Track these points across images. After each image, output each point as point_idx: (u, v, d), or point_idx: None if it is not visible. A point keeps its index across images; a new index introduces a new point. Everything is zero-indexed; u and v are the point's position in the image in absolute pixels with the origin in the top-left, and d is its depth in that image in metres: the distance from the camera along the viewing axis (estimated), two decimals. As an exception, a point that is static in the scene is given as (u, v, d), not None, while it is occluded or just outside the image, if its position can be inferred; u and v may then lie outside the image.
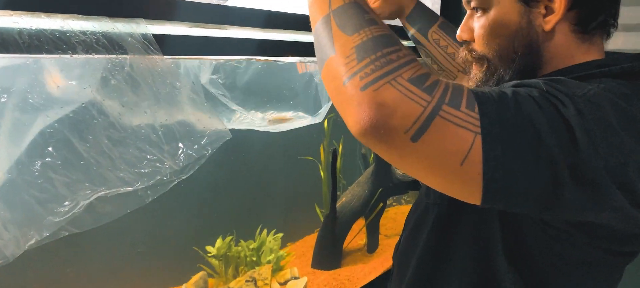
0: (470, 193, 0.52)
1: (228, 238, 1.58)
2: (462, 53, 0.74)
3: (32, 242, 0.75)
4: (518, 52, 0.65)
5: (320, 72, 0.59)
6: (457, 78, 1.08)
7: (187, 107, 1.00)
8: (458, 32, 0.73)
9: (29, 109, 0.81)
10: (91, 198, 0.83)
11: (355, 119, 0.50)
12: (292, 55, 1.24)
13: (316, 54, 0.61)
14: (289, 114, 1.47)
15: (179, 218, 1.63)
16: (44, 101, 0.82)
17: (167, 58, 0.96)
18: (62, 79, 0.85)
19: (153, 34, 0.92)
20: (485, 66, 0.69)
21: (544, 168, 0.49)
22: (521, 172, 0.49)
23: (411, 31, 1.11)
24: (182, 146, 0.98)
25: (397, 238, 2.06)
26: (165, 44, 0.96)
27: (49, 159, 0.79)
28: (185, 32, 1.03)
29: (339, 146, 1.93)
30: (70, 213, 0.80)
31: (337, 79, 0.54)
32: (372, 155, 2.00)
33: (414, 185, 2.03)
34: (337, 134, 1.98)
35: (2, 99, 0.77)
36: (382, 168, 1.89)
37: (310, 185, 2.02)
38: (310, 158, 1.95)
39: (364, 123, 0.50)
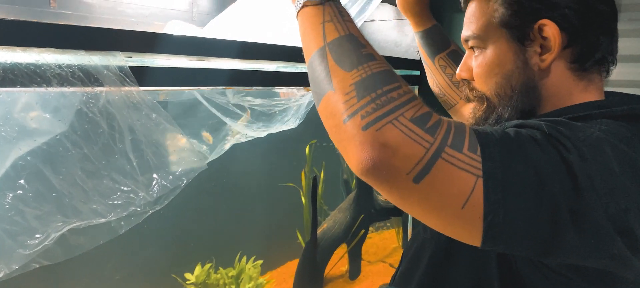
0: (471, 236, 0.51)
1: (207, 266, 1.58)
2: (465, 91, 0.74)
3: (1, 275, 0.75)
4: (515, 90, 0.65)
5: (317, 106, 0.59)
6: (457, 105, 1.08)
7: (162, 137, 1.01)
8: (457, 70, 0.73)
9: (1, 141, 0.81)
10: (63, 230, 0.84)
11: (357, 158, 0.50)
12: (267, 85, 1.25)
13: (311, 87, 0.60)
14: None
15: (158, 244, 1.62)
16: (17, 133, 0.83)
17: (143, 89, 0.97)
18: (36, 112, 0.86)
19: (130, 66, 0.94)
20: (485, 104, 0.69)
21: (546, 212, 0.49)
22: (522, 216, 0.49)
23: (419, 48, 1.10)
24: (157, 177, 0.99)
25: (381, 264, 2.07)
26: (143, 76, 0.98)
27: (21, 192, 0.79)
28: (163, 64, 1.04)
29: (320, 172, 1.94)
30: (41, 246, 0.80)
31: (337, 116, 0.53)
32: (354, 180, 2.01)
33: (396, 211, 2.04)
34: (319, 159, 2.00)
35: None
36: (364, 194, 1.91)
37: (291, 211, 2.02)
38: (291, 185, 1.96)
39: (366, 163, 0.49)
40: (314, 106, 2.17)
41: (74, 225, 0.85)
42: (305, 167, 1.96)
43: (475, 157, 0.50)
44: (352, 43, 0.58)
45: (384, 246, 2.32)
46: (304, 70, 1.46)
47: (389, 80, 0.54)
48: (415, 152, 0.49)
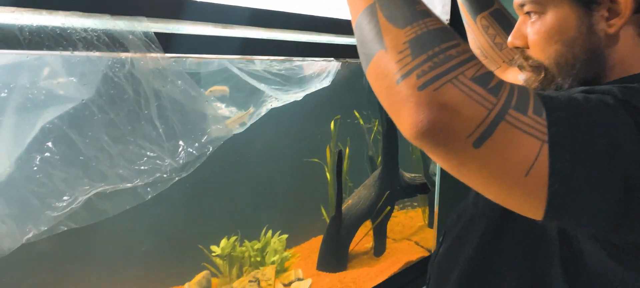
0: (532, 207, 0.48)
1: (232, 238, 1.58)
2: (518, 60, 0.69)
3: (30, 235, 0.76)
4: (578, 58, 0.60)
5: (365, 69, 0.55)
6: (500, 69, 1.02)
7: (188, 105, 1.00)
8: (509, 38, 0.67)
9: (29, 105, 0.81)
10: (90, 194, 0.84)
11: (411, 120, 0.46)
12: (294, 56, 1.24)
13: (359, 49, 0.56)
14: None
15: (184, 217, 1.63)
16: (45, 97, 0.83)
17: (168, 56, 0.97)
18: (62, 76, 0.86)
19: (155, 33, 0.93)
20: (542, 74, 0.64)
21: (617, 184, 0.45)
22: (591, 186, 0.45)
23: (460, 6, 1.04)
24: (183, 144, 0.98)
25: (406, 242, 2.04)
26: (168, 42, 0.97)
27: (48, 154, 0.80)
28: (188, 31, 1.03)
29: (345, 148, 1.92)
30: (68, 209, 0.81)
31: (389, 77, 0.49)
32: (380, 157, 1.98)
33: (422, 188, 2.01)
34: (344, 136, 1.98)
35: (3, 94, 0.78)
36: (390, 170, 1.88)
37: (316, 187, 2.01)
38: (316, 160, 1.95)
39: (422, 125, 0.46)
40: (339, 78, 2.13)
41: (100, 189, 0.85)
42: (330, 142, 1.95)
43: (540, 121, 0.46)
44: None
45: (410, 225, 2.29)
46: (327, 41, 1.44)
47: (446, 38, 0.50)
48: (476, 113, 0.45)
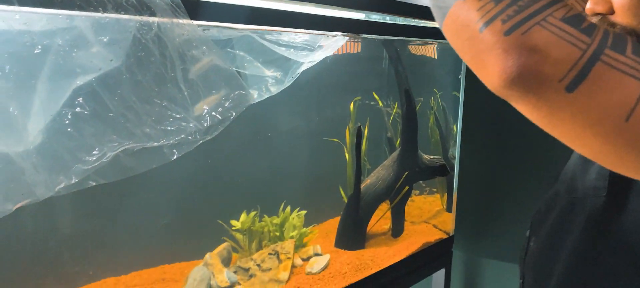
0: (635, 159, 0.44)
1: (252, 214, 1.61)
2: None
3: (61, 186, 0.78)
4: None
5: (441, 23, 0.53)
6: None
7: (212, 70, 1.02)
8: (588, 4, 0.59)
9: (63, 63, 0.84)
10: (117, 151, 0.86)
11: (500, 67, 0.44)
12: (320, 29, 1.25)
13: (433, 3, 0.54)
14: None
15: (204, 193, 1.66)
16: (77, 57, 0.86)
17: (194, 23, 0.99)
18: (94, 37, 0.88)
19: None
20: None
21: None
22: None
23: None
24: (207, 107, 1.00)
25: (424, 224, 2.03)
26: (194, 10, 0.99)
27: (79, 110, 0.82)
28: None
29: (364, 129, 1.93)
30: (97, 163, 0.83)
31: (470, 26, 0.47)
32: (399, 139, 1.99)
33: (441, 171, 2.01)
34: (363, 117, 1.98)
35: (37, 51, 0.80)
36: (409, 152, 1.88)
37: (335, 167, 2.02)
38: (335, 140, 1.96)
39: (511, 71, 0.43)
40: (359, 60, 2.13)
41: (128, 146, 0.87)
42: (349, 123, 1.96)
43: None
44: None
45: (428, 209, 2.29)
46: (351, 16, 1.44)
47: None
48: (569, 54, 0.43)
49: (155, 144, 0.91)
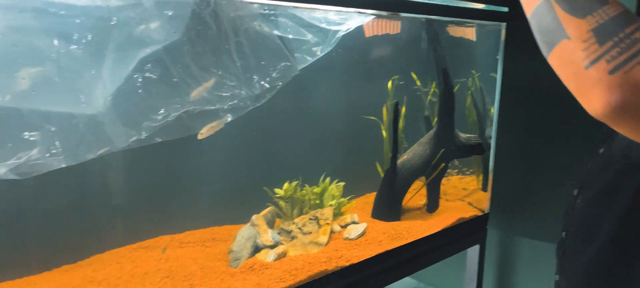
0: None
1: (294, 183, 1.72)
2: None
3: (133, 139, 0.91)
4: None
5: (547, 55, 0.61)
6: None
7: (262, 43, 1.12)
8: None
9: (133, 34, 0.96)
10: (180, 112, 0.98)
11: (605, 101, 0.52)
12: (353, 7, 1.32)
13: (539, 37, 0.61)
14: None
15: (251, 162, 1.78)
16: (145, 28, 0.98)
17: (246, 0, 1.09)
18: (159, 11, 1.00)
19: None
20: None
21: None
22: None
23: None
24: (257, 77, 1.10)
25: (459, 202, 2.08)
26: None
27: (148, 74, 0.94)
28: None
29: (402, 107, 2.00)
30: (162, 121, 0.95)
31: (575, 63, 0.55)
32: (436, 118, 2.05)
33: (477, 149, 2.06)
34: (400, 95, 2.05)
35: (113, 22, 0.93)
36: (446, 129, 1.94)
37: (372, 144, 2.10)
38: (373, 118, 2.04)
39: (616, 105, 0.51)
40: (398, 40, 2.19)
41: (189, 108, 0.99)
42: (387, 101, 2.03)
43: None
44: None
45: (464, 188, 2.35)
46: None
47: (628, 22, 0.54)
48: None
49: (211, 107, 1.03)
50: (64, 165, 0.81)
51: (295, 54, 1.17)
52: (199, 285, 1.28)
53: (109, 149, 0.87)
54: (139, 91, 0.93)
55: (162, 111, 0.94)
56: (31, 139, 0.78)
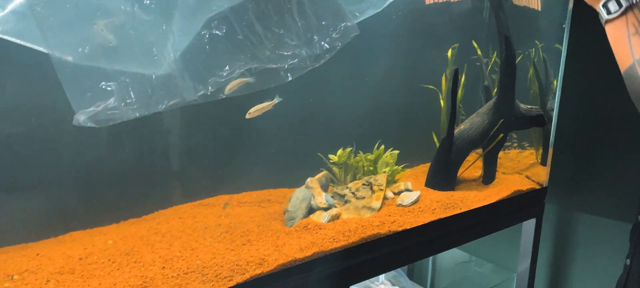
0: None
1: (348, 149, 1.73)
2: None
3: (201, 93, 0.95)
4: None
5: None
6: None
7: (322, 3, 1.13)
8: None
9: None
10: (243, 69, 1.01)
11: None
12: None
13: (631, 96, 0.67)
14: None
15: (306, 128, 1.81)
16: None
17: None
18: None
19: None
20: None
21: None
22: None
23: None
24: (317, 37, 1.12)
25: (517, 175, 2.03)
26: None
27: (215, 32, 0.97)
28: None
29: (461, 76, 1.96)
30: (227, 78, 0.99)
31: None
32: (496, 88, 1.99)
33: (538, 120, 2.00)
34: (460, 64, 2.01)
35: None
36: (506, 99, 1.89)
37: (429, 113, 2.08)
38: (431, 87, 2.01)
39: None
40: (460, 8, 2.13)
41: (252, 66, 1.02)
42: (446, 70, 1.99)
43: None
44: None
45: (522, 161, 2.29)
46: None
47: None
48: None
49: (273, 65, 1.05)
50: (137, 115, 0.85)
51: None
52: (256, 240, 1.33)
53: (178, 102, 0.91)
54: (206, 48, 0.96)
55: (227, 68, 0.97)
56: (108, 89, 0.83)
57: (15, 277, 1.15)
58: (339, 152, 1.74)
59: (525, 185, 1.97)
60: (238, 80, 1.19)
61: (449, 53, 1.98)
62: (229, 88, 1.22)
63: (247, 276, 1.16)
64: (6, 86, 1.17)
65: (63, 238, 1.44)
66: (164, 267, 1.15)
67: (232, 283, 1.13)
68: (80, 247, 1.31)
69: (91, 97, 0.82)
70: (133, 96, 0.84)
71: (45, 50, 0.91)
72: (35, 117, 1.22)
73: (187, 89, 0.91)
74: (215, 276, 1.14)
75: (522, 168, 2.19)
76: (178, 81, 0.89)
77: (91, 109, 0.81)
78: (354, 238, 1.38)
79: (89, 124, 0.84)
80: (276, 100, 1.40)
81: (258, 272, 1.18)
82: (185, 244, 1.28)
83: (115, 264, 1.19)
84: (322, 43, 1.12)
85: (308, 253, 1.28)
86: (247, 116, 1.40)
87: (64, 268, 1.19)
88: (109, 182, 1.50)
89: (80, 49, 0.83)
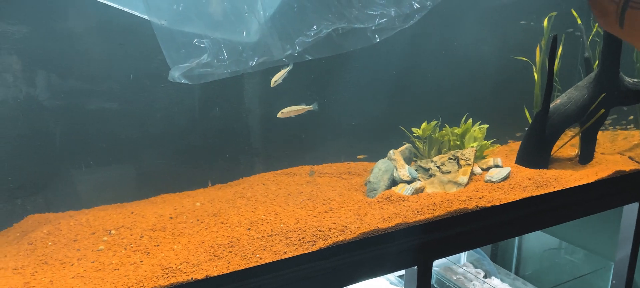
0: None
1: (433, 123, 1.67)
2: None
3: (288, 53, 0.94)
4: None
5: None
6: None
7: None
8: None
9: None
10: (330, 29, 1.00)
11: None
12: None
13: None
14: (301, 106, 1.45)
15: (388, 101, 1.77)
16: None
17: None
18: None
19: None
20: None
21: None
22: None
23: None
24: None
25: (618, 155, 1.87)
26: None
27: (303, -10, 0.96)
28: None
29: (558, 48, 1.82)
30: (314, 37, 0.97)
31: None
32: (598, 61, 1.83)
33: (646, 96, 1.81)
34: (558, 32, 1.86)
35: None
36: (609, 72, 1.73)
37: (522, 87, 1.96)
38: (524, 59, 1.89)
39: None
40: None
41: (340, 25, 1.00)
42: (541, 40, 1.86)
43: None
44: None
45: (623, 141, 2.09)
46: None
47: None
48: None
49: (361, 25, 1.02)
50: (228, 71, 0.87)
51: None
52: (338, 208, 1.33)
53: (267, 60, 0.92)
54: (294, 7, 0.95)
55: (314, 27, 0.96)
56: (201, 46, 0.85)
57: (113, 231, 1.22)
58: (423, 125, 1.69)
59: (628, 165, 1.80)
60: (284, 71, 1.18)
61: (545, 22, 1.84)
62: (277, 78, 1.23)
63: (329, 241, 1.16)
64: (103, 53, 1.24)
65: (154, 199, 1.52)
66: (249, 229, 1.17)
67: (315, 248, 1.13)
68: (170, 208, 1.37)
69: (185, 53, 0.84)
70: (225, 53, 0.85)
71: (143, 16, 0.94)
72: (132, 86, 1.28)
73: (275, 47, 0.91)
74: (299, 240, 1.15)
75: (624, 149, 2.00)
76: (267, 40, 0.89)
77: (185, 64, 0.83)
78: (439, 212, 1.33)
79: (183, 81, 0.86)
80: (312, 107, 1.40)
81: (340, 238, 1.17)
82: (269, 209, 1.30)
83: (203, 224, 1.24)
84: (412, 2, 1.07)
85: (391, 223, 1.25)
86: (279, 115, 1.41)
87: (156, 225, 1.25)
88: (196, 150, 1.56)
89: (175, 7, 0.85)
